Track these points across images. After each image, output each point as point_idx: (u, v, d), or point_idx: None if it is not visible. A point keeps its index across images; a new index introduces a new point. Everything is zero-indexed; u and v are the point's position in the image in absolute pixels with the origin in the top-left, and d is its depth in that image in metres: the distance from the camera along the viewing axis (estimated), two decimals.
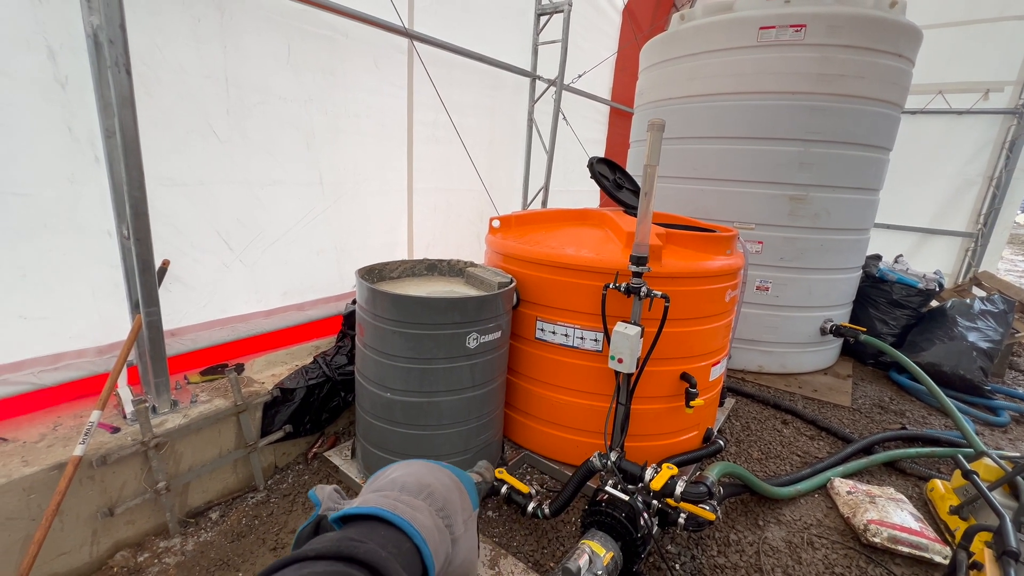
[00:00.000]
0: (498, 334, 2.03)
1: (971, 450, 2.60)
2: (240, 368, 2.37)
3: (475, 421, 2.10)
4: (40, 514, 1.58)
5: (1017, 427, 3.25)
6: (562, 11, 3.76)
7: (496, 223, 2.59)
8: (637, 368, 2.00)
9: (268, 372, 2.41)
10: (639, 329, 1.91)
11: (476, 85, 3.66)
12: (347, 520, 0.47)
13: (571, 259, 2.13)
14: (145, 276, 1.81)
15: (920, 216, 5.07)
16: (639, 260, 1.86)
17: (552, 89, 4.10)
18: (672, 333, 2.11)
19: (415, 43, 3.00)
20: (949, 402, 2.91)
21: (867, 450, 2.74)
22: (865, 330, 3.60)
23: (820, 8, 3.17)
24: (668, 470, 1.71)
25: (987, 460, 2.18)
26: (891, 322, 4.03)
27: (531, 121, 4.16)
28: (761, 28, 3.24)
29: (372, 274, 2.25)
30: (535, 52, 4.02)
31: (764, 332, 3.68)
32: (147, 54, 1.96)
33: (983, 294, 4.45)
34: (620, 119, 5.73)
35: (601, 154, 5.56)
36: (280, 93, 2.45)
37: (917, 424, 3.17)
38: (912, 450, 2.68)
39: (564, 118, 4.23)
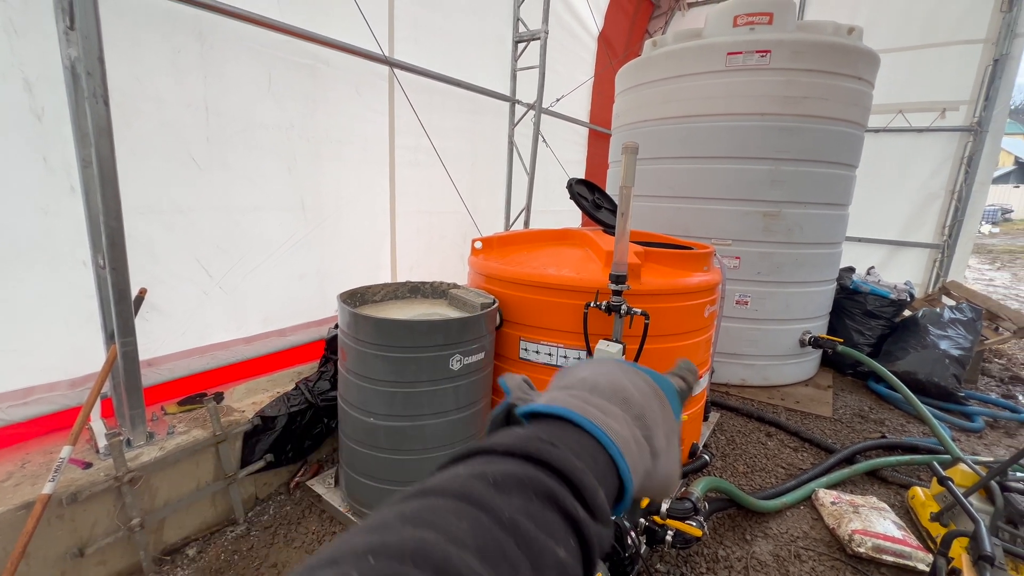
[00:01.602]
0: (482, 355, 2.04)
1: (948, 456, 2.66)
2: (219, 397, 2.33)
3: (461, 444, 2.08)
4: (5, 557, 1.52)
5: (992, 432, 3.34)
6: (539, 38, 3.88)
7: (478, 244, 2.62)
8: None
9: (248, 400, 2.36)
10: (621, 347, 1.94)
11: (457, 110, 3.74)
12: (535, 417, 0.41)
13: (552, 279, 2.16)
14: (121, 306, 1.78)
15: (889, 229, 5.26)
16: (618, 279, 1.90)
17: (531, 113, 4.20)
18: (654, 349, 2.14)
19: (395, 71, 3.06)
20: (925, 410, 2.98)
21: (849, 460, 2.78)
22: (842, 341, 3.68)
23: (783, 35, 3.34)
24: None
25: (962, 466, 2.23)
26: (867, 332, 4.13)
27: (511, 144, 4.24)
28: (729, 54, 3.39)
29: (354, 298, 2.24)
30: (514, 77, 4.13)
31: (745, 346, 3.74)
32: (126, 85, 1.97)
33: (952, 303, 4.60)
34: (598, 140, 5.88)
35: (581, 174, 5.67)
36: (261, 121, 2.47)
37: (896, 432, 3.24)
38: (892, 458, 2.72)
39: (544, 140, 4.33)
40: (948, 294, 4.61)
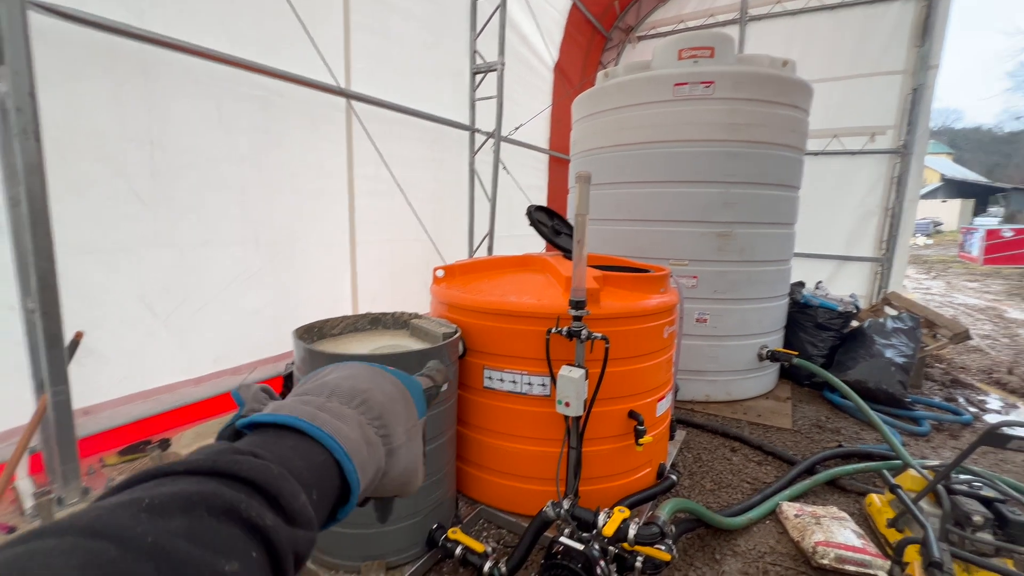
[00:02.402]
0: (445, 386, 2.00)
1: (900, 462, 2.78)
2: (165, 444, 2.19)
3: (426, 480, 2.02)
4: None
5: (937, 435, 3.51)
6: (496, 70, 3.99)
7: (440, 273, 2.61)
8: (585, 410, 2.02)
9: (197, 445, 2.22)
10: (583, 371, 1.95)
11: (417, 139, 3.76)
12: (257, 428, 0.41)
13: (514, 306, 2.17)
14: (52, 352, 1.67)
15: (834, 244, 5.58)
16: (577, 304, 1.92)
17: (491, 141, 4.27)
18: (616, 372, 2.16)
19: (353, 102, 3.07)
20: (876, 417, 3.12)
21: (810, 471, 2.86)
22: (797, 354, 3.83)
23: (725, 67, 3.56)
24: (620, 514, 1.71)
25: (912, 471, 2.33)
26: (819, 344, 4.32)
27: (472, 171, 4.29)
28: (675, 84, 3.57)
29: (311, 333, 2.17)
30: (472, 107, 4.21)
31: (707, 362, 3.84)
32: (63, 119, 1.89)
33: (895, 312, 4.89)
34: (559, 166, 6.03)
35: (543, 199, 5.79)
36: (211, 154, 2.41)
37: (852, 440, 3.36)
38: (850, 467, 2.82)
39: (504, 168, 4.40)
40: (890, 304, 4.89)
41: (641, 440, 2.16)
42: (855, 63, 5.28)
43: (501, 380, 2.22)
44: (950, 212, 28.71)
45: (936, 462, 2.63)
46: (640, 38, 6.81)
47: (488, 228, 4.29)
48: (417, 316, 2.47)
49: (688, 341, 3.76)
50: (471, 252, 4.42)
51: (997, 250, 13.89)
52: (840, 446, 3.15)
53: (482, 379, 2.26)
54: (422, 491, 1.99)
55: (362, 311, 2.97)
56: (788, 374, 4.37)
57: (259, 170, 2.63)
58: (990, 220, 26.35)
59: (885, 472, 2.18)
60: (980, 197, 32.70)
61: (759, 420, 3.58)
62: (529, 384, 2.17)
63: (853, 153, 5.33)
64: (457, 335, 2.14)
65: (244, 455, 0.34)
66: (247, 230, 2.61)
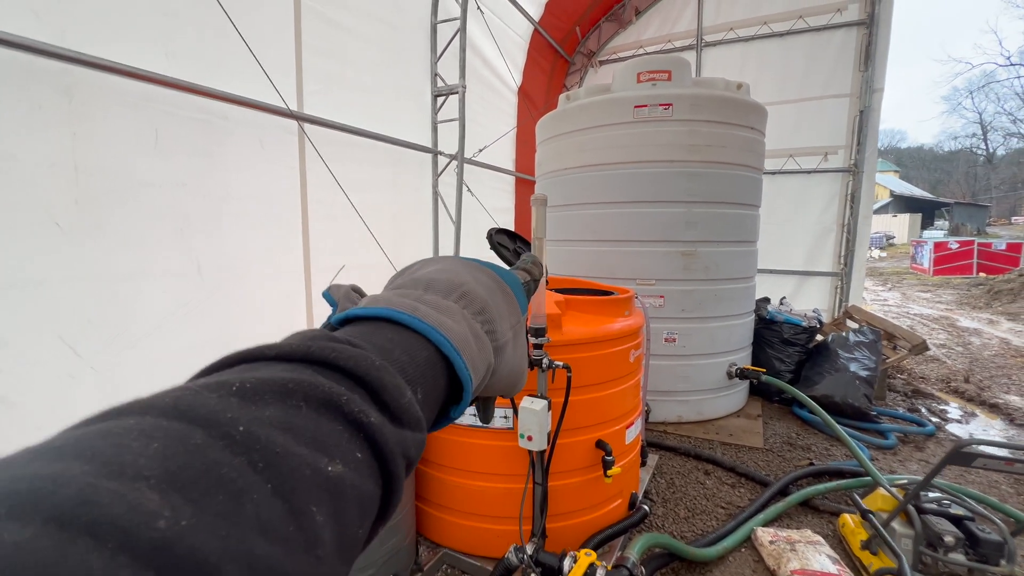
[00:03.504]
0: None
1: (870, 479, 2.76)
2: None
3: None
4: None
5: (904, 447, 3.54)
6: (457, 92, 3.96)
7: None
8: (549, 443, 1.91)
9: None
10: (545, 403, 1.85)
11: (377, 162, 3.67)
12: (352, 322, 0.35)
13: None
14: None
15: (795, 260, 5.71)
16: (537, 331, 1.83)
17: (455, 163, 4.22)
18: (581, 401, 2.07)
19: (305, 125, 2.96)
20: (843, 432, 3.10)
21: (783, 492, 2.81)
22: (765, 371, 3.83)
23: (682, 90, 3.62)
24: (586, 557, 1.59)
25: (882, 490, 2.30)
26: (786, 359, 4.35)
27: (436, 194, 4.22)
28: (636, 106, 3.61)
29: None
30: (435, 130, 4.16)
31: (678, 382, 3.80)
32: None
33: (856, 326, 4.99)
34: (525, 187, 6.03)
35: (510, 221, 5.76)
36: (145, 179, 2.25)
37: (822, 457, 3.35)
38: (821, 486, 2.78)
39: (469, 190, 4.35)
40: (851, 317, 5.00)
41: (609, 472, 2.06)
42: (805, 86, 5.51)
43: (462, 413, 2.09)
44: (900, 226, 30.31)
45: (905, 478, 2.62)
46: (602, 63, 6.97)
47: (453, 251, 4.19)
48: None
49: (657, 361, 3.72)
50: None
51: (945, 261, 14.64)
52: (811, 464, 3.13)
53: None
54: (375, 540, 1.83)
55: None
56: (758, 391, 4.37)
57: (202, 197, 2.48)
58: (937, 233, 27.95)
59: (856, 497, 2.14)
60: (927, 211, 34.72)
61: (731, 440, 3.53)
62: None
63: (808, 172, 5.52)
64: None
65: (341, 343, 0.29)
66: (187, 260, 2.44)
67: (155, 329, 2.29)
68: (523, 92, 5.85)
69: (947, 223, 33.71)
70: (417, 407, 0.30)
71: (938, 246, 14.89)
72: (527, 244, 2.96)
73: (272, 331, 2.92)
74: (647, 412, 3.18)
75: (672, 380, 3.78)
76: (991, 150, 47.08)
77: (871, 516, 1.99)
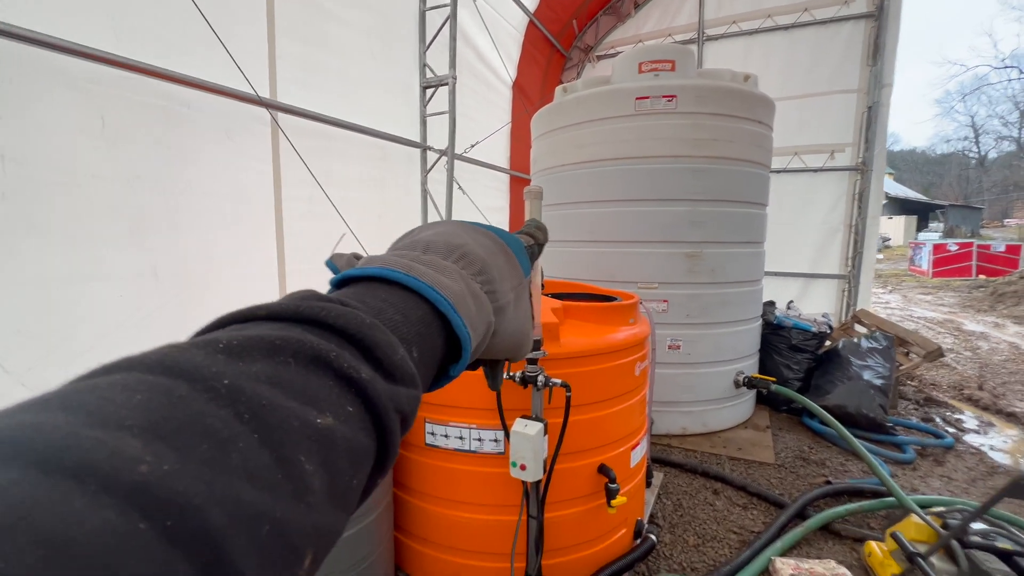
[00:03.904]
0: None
1: (893, 499, 2.54)
2: None
3: (352, 570, 1.61)
4: None
5: (923, 461, 3.32)
6: (447, 84, 3.72)
7: None
8: (546, 472, 1.67)
9: None
10: (541, 426, 1.61)
11: (361, 157, 3.42)
12: (350, 283, 0.34)
13: None
14: None
15: (800, 262, 5.50)
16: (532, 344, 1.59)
17: (445, 159, 3.98)
18: (581, 421, 1.83)
19: (279, 114, 2.71)
20: (863, 449, 2.88)
21: (800, 514, 2.58)
22: (775, 380, 3.61)
23: (686, 81, 3.40)
24: None
25: (915, 517, 2.07)
26: (794, 367, 4.13)
27: (425, 192, 3.97)
28: (637, 98, 3.39)
29: None
30: (423, 123, 3.92)
31: (683, 392, 3.57)
32: None
33: (864, 330, 4.78)
34: (520, 185, 5.80)
35: (504, 221, 5.52)
36: (92, 171, 2.00)
37: (838, 473, 3.12)
38: (842, 508, 2.55)
39: (460, 187, 4.11)
40: (860, 322, 4.79)
41: (614, 502, 1.82)
42: (811, 82, 5.31)
43: (446, 436, 1.85)
44: (896, 228, 30.28)
45: (937, 501, 2.40)
46: (600, 57, 6.76)
47: None
48: None
49: (661, 370, 3.49)
50: None
51: (944, 263, 14.53)
52: (828, 482, 2.90)
53: (423, 435, 1.88)
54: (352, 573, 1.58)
55: None
56: (765, 399, 4.16)
57: (159, 192, 2.23)
58: (932, 235, 27.94)
59: (899, 537, 1.90)
60: (921, 214, 34.74)
61: (740, 455, 3.30)
62: (479, 440, 1.81)
63: (814, 170, 5.31)
64: None
65: (331, 303, 0.29)
66: (142, 261, 2.18)
67: (101, 340, 2.04)
68: (518, 87, 5.62)
69: (942, 225, 33.76)
70: (411, 364, 0.30)
71: (937, 248, 14.78)
72: None
73: None
74: (650, 424, 2.95)
75: (676, 390, 3.55)
76: (983, 153, 47.33)
77: (920, 561, 1.75)
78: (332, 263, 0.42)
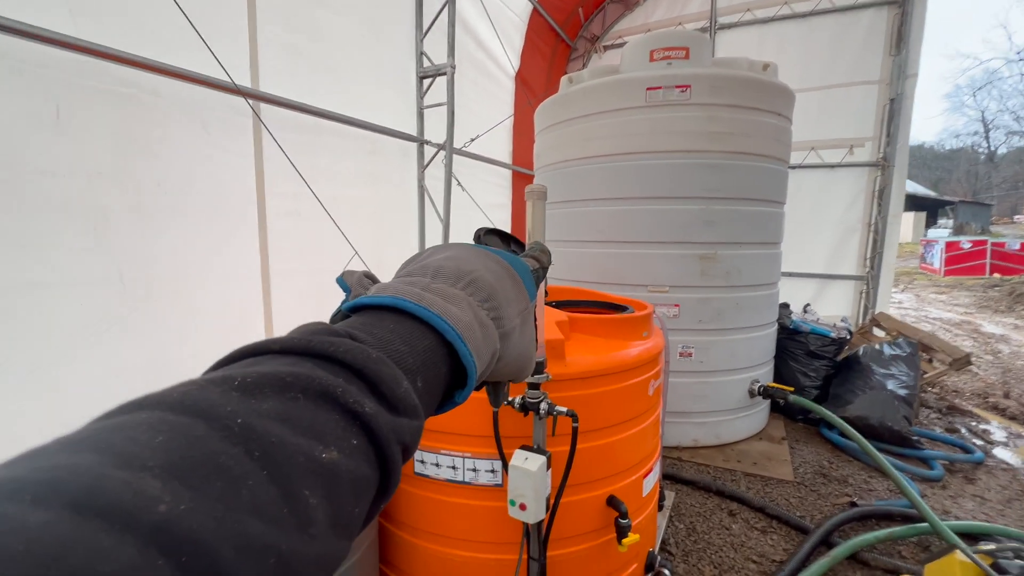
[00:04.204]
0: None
1: (926, 525, 2.34)
2: None
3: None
4: None
5: (952, 478, 3.11)
6: (445, 73, 3.50)
7: None
8: (548, 510, 1.47)
9: None
10: (544, 459, 1.40)
11: (353, 151, 3.21)
12: (361, 310, 0.37)
13: None
14: None
15: (815, 263, 5.26)
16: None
17: (443, 154, 3.76)
18: (590, 449, 1.63)
19: (260, 104, 2.50)
20: (888, 464, 2.68)
21: (825, 540, 2.37)
22: (793, 390, 3.39)
23: (701, 70, 3.17)
24: None
25: (959, 554, 1.86)
26: (811, 374, 3.92)
27: (422, 188, 3.76)
28: (648, 88, 3.16)
29: None
30: (420, 116, 3.70)
31: (694, 402, 3.36)
32: None
33: (883, 334, 4.55)
34: (523, 182, 5.58)
35: (506, 219, 5.30)
36: (44, 166, 1.79)
37: (862, 491, 2.91)
38: (871, 535, 2.34)
39: (459, 184, 3.89)
40: (879, 326, 4.56)
41: (625, 540, 1.62)
42: (830, 73, 5.05)
43: (437, 465, 1.65)
44: (905, 225, 29.82)
45: (978, 532, 2.19)
46: (607, 47, 6.50)
47: None
48: None
49: (672, 379, 3.28)
50: None
51: (957, 261, 14.20)
52: (853, 504, 2.69)
53: (412, 462, 1.68)
54: None
55: None
56: (779, 409, 3.94)
57: (124, 190, 2.02)
58: (941, 232, 27.50)
59: None
60: (930, 210, 34.23)
61: (756, 470, 3.10)
62: (473, 471, 1.61)
63: (832, 166, 5.07)
64: None
65: (341, 337, 0.31)
66: (106, 265, 1.98)
67: (61, 351, 1.84)
68: (521, 78, 5.38)
69: (951, 222, 33.27)
70: (413, 396, 0.31)
71: (950, 246, 14.45)
72: (522, 247, 2.51)
73: (221, 348, 2.45)
74: (662, 454, 2.74)
75: (688, 400, 3.35)
76: (993, 148, 46.63)
77: None
78: (343, 281, 0.46)
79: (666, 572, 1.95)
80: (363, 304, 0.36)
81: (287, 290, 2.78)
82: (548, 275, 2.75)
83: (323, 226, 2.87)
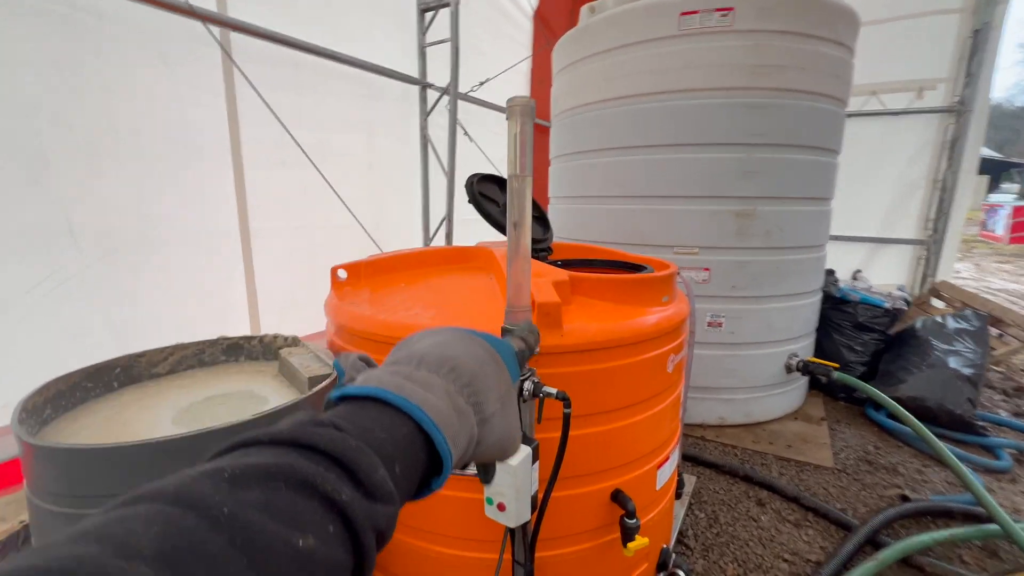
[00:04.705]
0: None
1: (995, 527, 1.99)
2: None
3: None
4: None
5: (1021, 470, 2.71)
6: (448, 4, 3.08)
7: (341, 274, 1.78)
8: (536, 509, 1.21)
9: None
10: (528, 451, 1.12)
11: (343, 93, 2.89)
12: (345, 400, 0.40)
13: None
14: None
15: (868, 225, 4.70)
16: (508, 333, 1.09)
17: (448, 99, 3.39)
18: (592, 436, 1.35)
19: (230, 33, 2.19)
20: (948, 452, 2.32)
21: (871, 539, 2.06)
22: (838, 366, 3.00)
23: None
24: None
25: None
26: (858, 348, 3.50)
27: (424, 138, 3.42)
28: (682, 14, 2.68)
29: (105, 378, 1.36)
30: (422, 55, 3.32)
31: (722, 377, 3.03)
32: None
33: (942, 305, 4.05)
34: (543, 135, 5.13)
35: None
36: None
37: (915, 483, 2.56)
38: (927, 536, 2.01)
39: (466, 133, 3.53)
40: (939, 296, 4.05)
41: (631, 544, 1.36)
42: (898, 0, 4.32)
43: None
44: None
45: None
46: None
47: (445, 210, 3.43)
48: (296, 343, 1.66)
49: (699, 350, 2.95)
50: (427, 241, 3.58)
51: None
52: (905, 498, 2.35)
53: None
54: None
55: (265, 327, 2.16)
56: (818, 385, 3.56)
57: (68, 128, 1.78)
58: (1005, 196, 25.27)
59: None
60: (993, 173, 31.44)
61: (790, 454, 2.77)
62: None
63: (896, 113, 4.42)
64: (329, 380, 1.32)
65: (325, 427, 0.34)
66: (51, 217, 1.77)
67: (2, 312, 1.65)
68: (540, 17, 4.86)
69: (1017, 186, 30.59)
70: (389, 482, 0.34)
71: (1018, 211, 13.15)
72: (536, 207, 2.16)
73: (199, 312, 2.27)
74: (683, 414, 2.45)
75: (715, 374, 3.01)
76: None
77: None
78: (339, 364, 0.51)
79: (680, 573, 1.69)
80: (348, 395, 0.40)
81: (270, 248, 2.55)
82: (558, 236, 2.38)
83: (310, 178, 2.59)
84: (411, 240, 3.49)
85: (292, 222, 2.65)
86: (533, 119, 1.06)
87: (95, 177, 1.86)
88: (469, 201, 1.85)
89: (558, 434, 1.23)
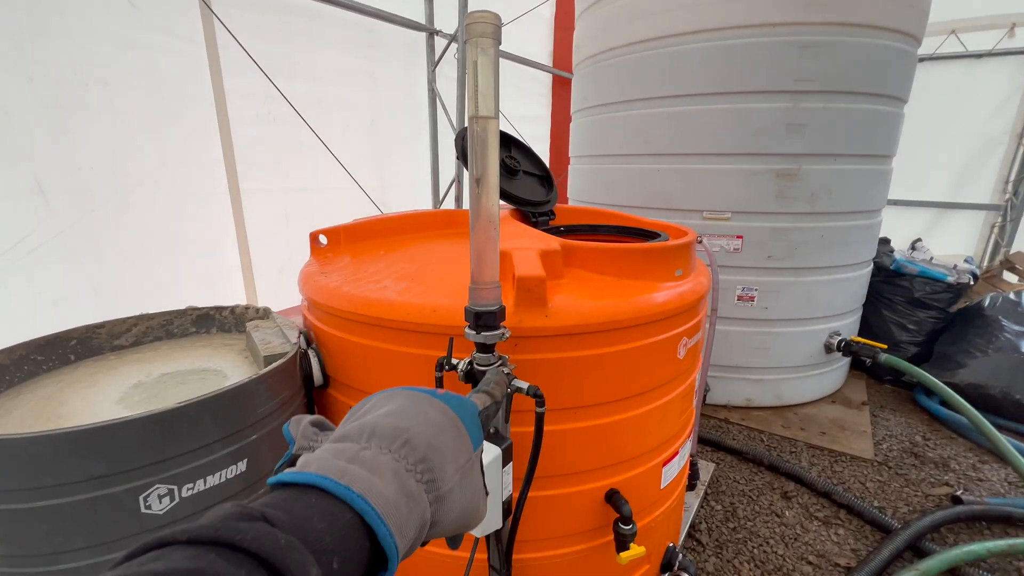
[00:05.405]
0: (240, 467, 1.06)
1: None
2: None
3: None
4: None
5: None
6: None
7: (322, 239, 1.62)
8: (511, 514, 1.05)
9: None
10: (498, 452, 0.95)
11: (340, 41, 2.66)
12: (284, 487, 0.37)
13: (389, 308, 1.16)
14: None
15: (933, 188, 4.16)
16: (479, 317, 0.90)
17: (456, 47, 3.09)
18: (583, 431, 1.17)
19: None
20: (1011, 447, 2.04)
21: (915, 546, 1.83)
22: (886, 347, 2.68)
23: None
24: None
25: None
26: (911, 327, 3.14)
27: (432, 91, 3.15)
28: None
29: (60, 350, 1.27)
30: None
31: (751, 355, 2.76)
32: None
33: (1016, 280, 3.58)
34: (567, 89, 4.75)
35: (544, 133, 4.57)
36: None
37: (969, 481, 2.27)
38: (980, 545, 1.76)
39: None
40: (1013, 269, 3.57)
41: (624, 554, 1.19)
42: None
43: None
44: None
45: None
46: None
47: (454, 171, 3.20)
48: (267, 314, 1.53)
49: (726, 326, 2.69)
50: (436, 204, 3.37)
51: None
52: (957, 499, 2.08)
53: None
54: None
55: (261, 293, 2.04)
56: (861, 366, 3.24)
57: (28, 78, 1.65)
58: None
59: None
60: None
61: (824, 442, 2.52)
62: None
63: (978, 55, 3.80)
64: (286, 360, 1.18)
65: (254, 520, 0.32)
66: (20, 176, 1.66)
67: None
68: None
69: None
70: None
71: None
72: (528, 154, 1.91)
73: (188, 275, 2.18)
74: (705, 393, 2.23)
75: (744, 353, 2.75)
76: None
77: None
78: (288, 431, 0.47)
79: (685, 575, 1.52)
80: (285, 481, 0.37)
81: (264, 210, 2.42)
82: (577, 200, 2.12)
83: (303, 134, 2.42)
84: (419, 203, 3.30)
85: (286, 183, 2.50)
86: (499, 42, 0.82)
87: (63, 132, 1.74)
88: (458, 157, 1.63)
89: (554, 427, 1.05)
